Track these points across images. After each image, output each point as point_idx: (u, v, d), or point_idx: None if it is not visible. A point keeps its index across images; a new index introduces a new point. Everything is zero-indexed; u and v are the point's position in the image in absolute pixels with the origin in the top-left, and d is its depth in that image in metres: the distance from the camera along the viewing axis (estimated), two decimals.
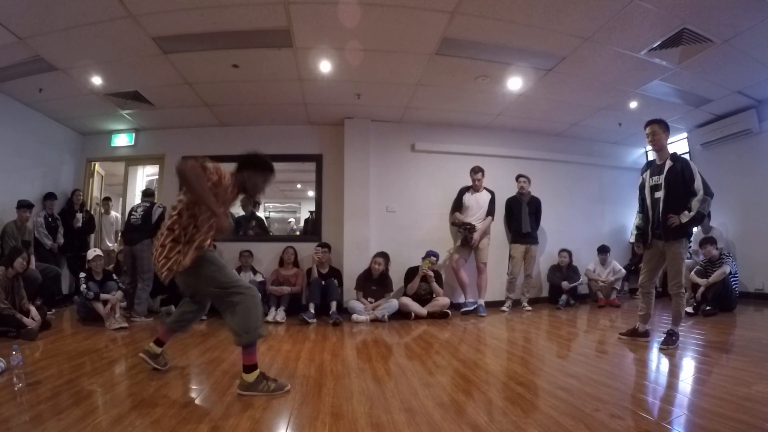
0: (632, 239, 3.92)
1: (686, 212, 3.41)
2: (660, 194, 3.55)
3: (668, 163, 3.54)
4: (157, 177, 7.24)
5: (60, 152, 6.53)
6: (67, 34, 4.08)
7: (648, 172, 3.72)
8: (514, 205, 6.31)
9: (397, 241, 6.20)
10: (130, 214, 5.60)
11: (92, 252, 5.03)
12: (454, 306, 5.87)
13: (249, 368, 2.44)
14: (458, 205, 6.13)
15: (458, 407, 2.20)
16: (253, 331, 2.46)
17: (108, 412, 2.09)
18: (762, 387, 2.34)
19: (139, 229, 5.40)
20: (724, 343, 3.68)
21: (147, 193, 5.90)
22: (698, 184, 3.41)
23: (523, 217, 6.18)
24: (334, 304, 5.27)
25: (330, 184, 6.52)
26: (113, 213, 7.46)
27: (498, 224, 6.38)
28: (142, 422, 1.98)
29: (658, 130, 3.57)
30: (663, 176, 3.54)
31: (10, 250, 4.42)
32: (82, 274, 4.83)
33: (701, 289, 5.21)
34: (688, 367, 3.00)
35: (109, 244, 7.17)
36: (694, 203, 3.40)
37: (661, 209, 3.52)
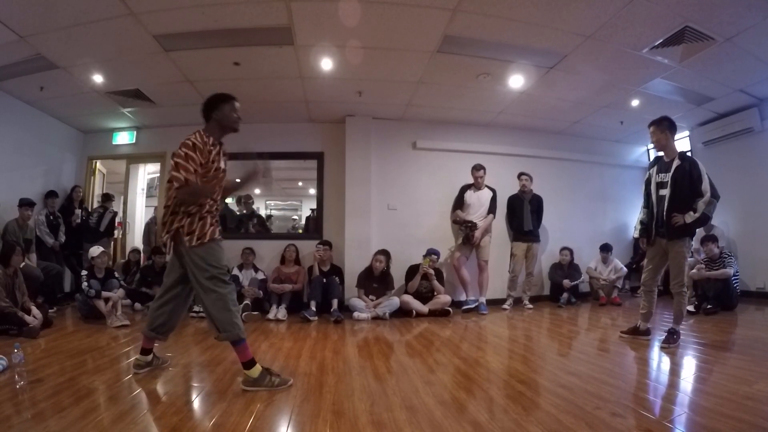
0: (636, 234, 3.91)
1: (691, 213, 3.39)
2: (665, 192, 3.53)
3: (676, 162, 3.51)
4: (158, 175, 7.24)
5: (61, 150, 6.54)
6: (69, 33, 4.07)
7: (655, 168, 3.69)
8: (515, 203, 6.31)
9: (399, 239, 6.20)
10: (87, 216, 6.41)
11: (96, 249, 5.04)
12: (456, 304, 5.87)
13: (248, 364, 2.45)
14: (460, 203, 6.13)
15: (459, 405, 2.20)
16: (235, 329, 2.47)
17: (109, 409, 2.10)
18: (763, 386, 2.34)
19: (94, 231, 6.33)
20: (725, 342, 3.68)
21: (106, 198, 6.65)
22: (705, 186, 3.39)
23: (524, 215, 6.18)
24: (335, 302, 5.27)
25: (331, 181, 6.52)
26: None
27: (499, 222, 6.37)
28: (144, 420, 1.98)
29: (656, 130, 3.58)
30: (670, 174, 3.51)
31: (3, 248, 4.38)
32: (84, 272, 4.84)
33: (694, 275, 5.18)
34: (689, 365, 3.00)
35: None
36: (700, 205, 3.37)
37: (665, 207, 3.51)
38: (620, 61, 4.72)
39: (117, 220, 7.05)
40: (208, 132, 2.60)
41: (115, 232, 7.22)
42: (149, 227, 7.24)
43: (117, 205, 7.70)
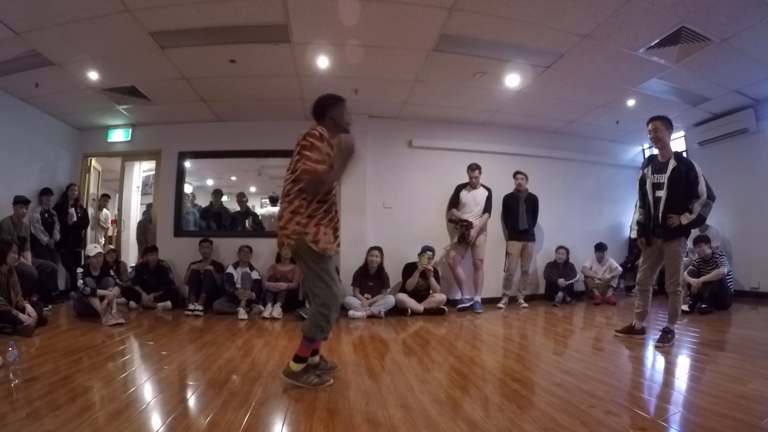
0: (633, 234, 3.90)
1: (687, 214, 3.40)
2: (662, 193, 3.52)
3: (672, 163, 3.49)
4: (153, 173, 7.21)
5: (56, 148, 6.49)
6: (64, 29, 4.05)
7: (649, 168, 3.67)
8: (511, 202, 6.32)
9: (394, 238, 6.19)
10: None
11: (93, 248, 5.05)
12: (451, 302, 5.88)
13: (299, 359, 2.46)
14: (455, 202, 6.14)
15: (454, 403, 2.20)
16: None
17: (105, 408, 2.09)
18: (757, 385, 2.36)
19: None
20: (719, 341, 3.70)
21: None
22: (702, 188, 3.39)
23: (520, 214, 6.19)
24: None
25: None
26: (105, 211, 7.50)
27: (495, 221, 6.38)
28: (139, 418, 1.98)
29: (661, 127, 3.52)
30: (666, 175, 3.49)
31: None
32: (80, 270, 4.82)
33: (693, 288, 5.23)
34: (684, 364, 3.02)
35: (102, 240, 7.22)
36: (696, 206, 3.38)
37: (661, 209, 3.51)
38: (616, 61, 4.73)
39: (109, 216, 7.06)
40: (327, 129, 2.60)
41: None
42: (144, 225, 7.22)
43: (112, 203, 7.72)
